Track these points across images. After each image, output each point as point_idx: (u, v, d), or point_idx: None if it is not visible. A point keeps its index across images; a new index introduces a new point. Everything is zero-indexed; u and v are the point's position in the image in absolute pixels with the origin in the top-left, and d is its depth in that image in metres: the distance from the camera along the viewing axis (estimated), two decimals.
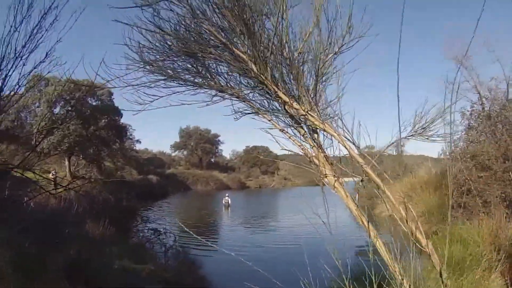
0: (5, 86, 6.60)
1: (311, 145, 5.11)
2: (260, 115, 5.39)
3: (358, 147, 4.88)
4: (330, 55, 5.05)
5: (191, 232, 6.39)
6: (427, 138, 5.12)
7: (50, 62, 6.78)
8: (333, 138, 4.91)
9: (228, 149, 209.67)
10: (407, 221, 4.58)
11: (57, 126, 37.98)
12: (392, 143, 5.18)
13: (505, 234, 16.06)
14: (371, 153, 5.08)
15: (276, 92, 4.86)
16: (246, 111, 5.52)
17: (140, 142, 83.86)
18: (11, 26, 6.47)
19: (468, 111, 27.45)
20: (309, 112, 4.84)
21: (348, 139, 4.83)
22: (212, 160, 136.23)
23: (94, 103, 55.54)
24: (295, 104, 4.84)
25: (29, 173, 7.60)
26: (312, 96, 5.06)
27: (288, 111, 5.08)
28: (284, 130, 5.26)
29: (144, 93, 5.41)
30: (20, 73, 6.65)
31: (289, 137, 5.24)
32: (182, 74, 5.44)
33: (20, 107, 43.95)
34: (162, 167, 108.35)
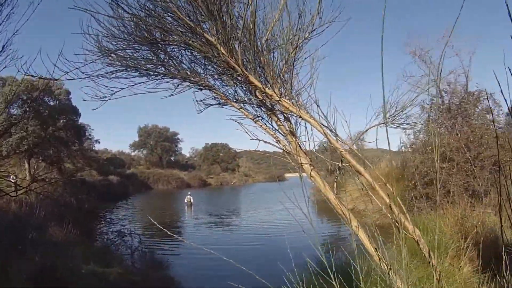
0: None
1: (284, 133, 4.95)
2: (228, 104, 5.19)
3: (335, 134, 4.71)
4: (301, 40, 4.86)
5: (169, 232, 6.21)
6: (398, 126, 5.04)
7: (6, 57, 6.50)
8: (307, 125, 4.73)
9: (188, 147, 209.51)
10: (391, 206, 4.40)
11: (14, 122, 37.43)
12: (366, 130, 5.04)
13: (470, 222, 16.38)
14: (346, 141, 4.92)
15: (247, 77, 4.61)
16: (212, 103, 5.35)
17: (99, 142, 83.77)
18: None
19: (427, 104, 27.92)
20: (282, 98, 4.66)
21: (324, 125, 4.65)
22: (172, 158, 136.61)
23: (51, 103, 54.61)
24: (267, 90, 4.64)
25: None
26: (284, 81, 4.89)
27: (259, 97, 4.92)
28: (255, 118, 5.09)
29: (104, 85, 5.17)
30: None
31: (261, 126, 5.06)
32: (144, 63, 5.21)
33: None
34: (122, 167, 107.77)
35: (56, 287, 9.57)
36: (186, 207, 56.56)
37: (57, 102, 54.94)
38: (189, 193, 60.65)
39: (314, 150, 4.97)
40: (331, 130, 4.66)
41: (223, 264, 20.50)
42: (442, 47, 39.18)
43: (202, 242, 26.98)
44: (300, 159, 4.76)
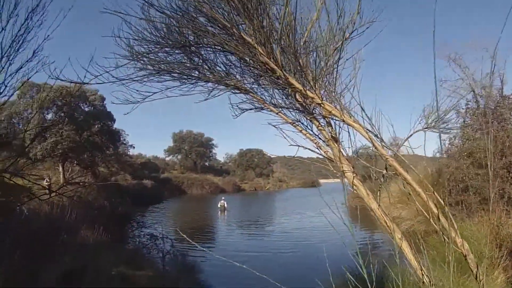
0: None
1: (326, 139, 4.65)
2: (266, 109, 4.98)
3: (381, 139, 4.40)
4: (341, 41, 4.58)
5: (190, 240, 6.03)
6: (441, 131, 4.83)
7: (38, 62, 6.47)
8: (349, 130, 4.45)
9: (222, 152, 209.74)
10: (438, 217, 4.18)
11: (46, 126, 37.76)
12: (411, 135, 4.82)
13: (506, 231, 16.02)
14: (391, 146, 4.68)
15: (287, 78, 4.36)
16: (248, 107, 5.12)
17: (133, 147, 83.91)
18: None
19: (463, 108, 27.50)
20: (324, 101, 4.40)
21: (369, 130, 4.35)
22: (207, 163, 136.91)
23: (86, 109, 55.33)
24: (309, 92, 4.36)
25: (21, 180, 7.31)
26: (326, 83, 4.63)
27: (300, 100, 4.66)
28: (294, 123, 4.83)
29: (135, 90, 5.05)
30: (6, 73, 6.35)
31: (300, 131, 4.80)
32: (177, 67, 5.03)
33: (12, 114, 43.76)
34: (156, 172, 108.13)
35: None
36: (219, 212, 56.35)
37: (92, 107, 55.55)
38: (222, 198, 60.48)
39: (355, 156, 4.73)
40: (376, 135, 4.39)
41: (255, 265, 20.33)
42: (476, 51, 38.80)
43: (234, 249, 26.72)
44: (342, 166, 4.55)
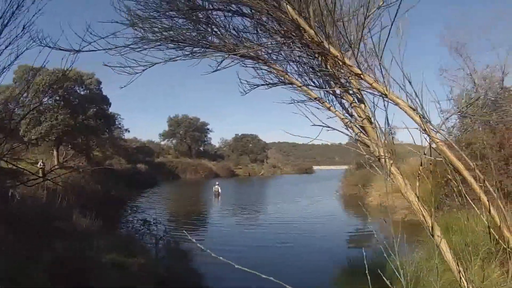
0: None
1: (361, 118, 3.96)
2: (284, 83, 4.45)
3: (428, 120, 3.67)
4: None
5: (187, 234, 5.85)
6: (479, 116, 4.59)
7: (29, 38, 6.25)
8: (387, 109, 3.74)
9: (217, 137, 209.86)
10: (490, 210, 3.77)
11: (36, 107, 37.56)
12: (447, 118, 4.45)
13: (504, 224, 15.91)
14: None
15: (321, 42, 3.72)
16: (257, 83, 4.62)
17: (128, 131, 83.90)
18: None
19: (462, 99, 27.37)
20: (365, 73, 3.69)
21: (412, 108, 3.61)
22: (201, 148, 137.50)
23: (82, 92, 55.22)
24: (347, 60, 3.71)
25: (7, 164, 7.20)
26: (364, 53, 3.87)
27: (332, 71, 3.98)
28: (321, 99, 4.23)
29: (134, 60, 4.56)
30: None
31: (329, 108, 4.18)
32: (183, 34, 4.58)
33: (8, 98, 43.67)
34: (151, 156, 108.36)
35: (70, 277, 9.41)
36: (213, 197, 56.45)
37: (88, 91, 55.38)
38: (217, 182, 60.85)
39: (391, 138, 4.16)
40: (423, 116, 3.66)
41: (249, 258, 20.18)
42: (479, 40, 38.52)
43: (228, 237, 26.43)
44: (379, 151, 3.90)
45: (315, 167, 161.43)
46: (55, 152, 51.86)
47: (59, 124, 47.52)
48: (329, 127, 4.10)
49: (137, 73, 4.67)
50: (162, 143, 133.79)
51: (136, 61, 4.61)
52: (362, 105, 3.96)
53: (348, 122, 4.08)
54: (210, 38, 4.58)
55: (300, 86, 4.31)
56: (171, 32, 4.60)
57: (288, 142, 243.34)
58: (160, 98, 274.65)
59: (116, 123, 68.44)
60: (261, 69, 4.60)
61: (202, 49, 4.60)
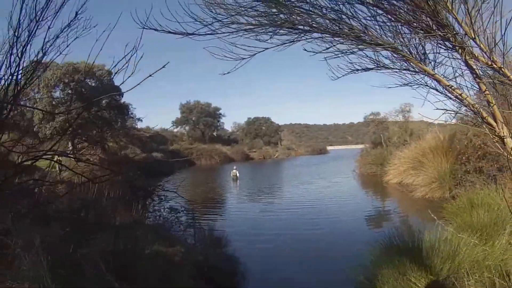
0: (25, 53, 6.05)
1: (491, 103, 4.08)
2: (412, 64, 4.43)
3: None
4: None
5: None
6: None
7: (78, 26, 6.20)
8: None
9: (230, 121, 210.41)
10: None
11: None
12: None
13: None
14: None
15: (465, 34, 3.78)
16: (357, 68, 4.61)
17: (141, 120, 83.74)
18: None
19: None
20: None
21: None
22: (215, 133, 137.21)
23: (93, 84, 55.35)
24: (494, 56, 3.77)
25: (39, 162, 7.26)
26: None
27: (468, 62, 4.03)
28: (452, 86, 4.31)
29: (235, 45, 4.41)
30: (44, 39, 6.06)
31: (460, 94, 4.27)
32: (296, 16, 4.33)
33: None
34: (165, 144, 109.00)
35: (125, 270, 9.47)
36: (231, 181, 56.41)
37: (99, 83, 55.49)
38: (234, 167, 60.69)
39: None
40: None
41: (287, 245, 20.10)
42: None
43: (257, 224, 26.00)
44: (503, 131, 3.99)
45: (328, 147, 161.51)
46: (70, 146, 52.04)
47: (73, 117, 47.59)
48: (455, 111, 4.24)
49: (244, 59, 4.55)
50: (175, 130, 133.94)
51: (245, 46, 4.48)
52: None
53: (473, 105, 4.24)
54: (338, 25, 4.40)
55: (433, 75, 4.36)
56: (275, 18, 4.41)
57: (301, 124, 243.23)
58: (170, 86, 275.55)
59: (129, 112, 68.50)
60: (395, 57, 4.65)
61: (332, 34, 4.46)
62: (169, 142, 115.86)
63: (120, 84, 5.85)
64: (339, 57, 4.54)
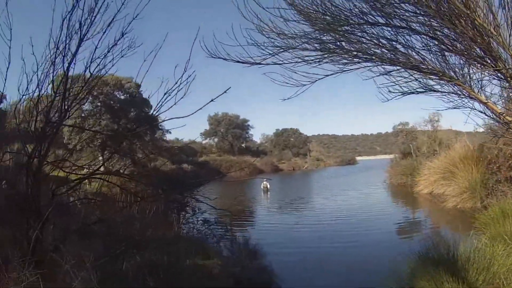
0: (72, 67, 6.27)
1: None
2: (465, 90, 4.65)
3: None
4: None
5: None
6: None
7: (123, 45, 6.30)
8: None
9: (258, 133, 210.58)
10: None
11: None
12: None
13: None
14: None
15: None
16: (407, 91, 4.78)
17: (170, 132, 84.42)
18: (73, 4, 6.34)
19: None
20: None
21: None
22: (243, 145, 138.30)
23: (122, 97, 55.96)
24: None
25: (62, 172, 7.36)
26: None
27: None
28: (502, 113, 4.48)
29: (296, 72, 4.60)
30: (91, 57, 6.20)
31: (504, 117, 4.42)
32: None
33: (47, 107, 44.46)
34: (194, 156, 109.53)
35: (165, 283, 9.46)
36: (262, 193, 56.41)
37: (128, 95, 56.04)
38: (265, 179, 60.31)
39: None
40: None
41: (314, 253, 20.04)
42: None
43: (291, 237, 25.75)
44: None
45: (358, 158, 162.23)
46: (100, 157, 52.52)
47: (102, 129, 48.18)
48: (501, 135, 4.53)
49: (304, 85, 4.77)
50: (204, 142, 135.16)
51: (306, 73, 4.68)
52: None
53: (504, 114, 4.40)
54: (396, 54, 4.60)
55: (485, 102, 4.63)
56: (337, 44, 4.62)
57: (329, 134, 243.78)
58: (200, 97, 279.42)
59: (158, 124, 69.18)
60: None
61: (389, 63, 4.69)
62: (198, 154, 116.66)
63: (171, 106, 5.98)
64: (395, 84, 4.70)
